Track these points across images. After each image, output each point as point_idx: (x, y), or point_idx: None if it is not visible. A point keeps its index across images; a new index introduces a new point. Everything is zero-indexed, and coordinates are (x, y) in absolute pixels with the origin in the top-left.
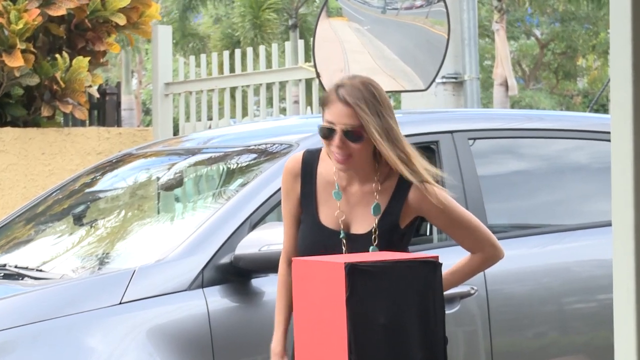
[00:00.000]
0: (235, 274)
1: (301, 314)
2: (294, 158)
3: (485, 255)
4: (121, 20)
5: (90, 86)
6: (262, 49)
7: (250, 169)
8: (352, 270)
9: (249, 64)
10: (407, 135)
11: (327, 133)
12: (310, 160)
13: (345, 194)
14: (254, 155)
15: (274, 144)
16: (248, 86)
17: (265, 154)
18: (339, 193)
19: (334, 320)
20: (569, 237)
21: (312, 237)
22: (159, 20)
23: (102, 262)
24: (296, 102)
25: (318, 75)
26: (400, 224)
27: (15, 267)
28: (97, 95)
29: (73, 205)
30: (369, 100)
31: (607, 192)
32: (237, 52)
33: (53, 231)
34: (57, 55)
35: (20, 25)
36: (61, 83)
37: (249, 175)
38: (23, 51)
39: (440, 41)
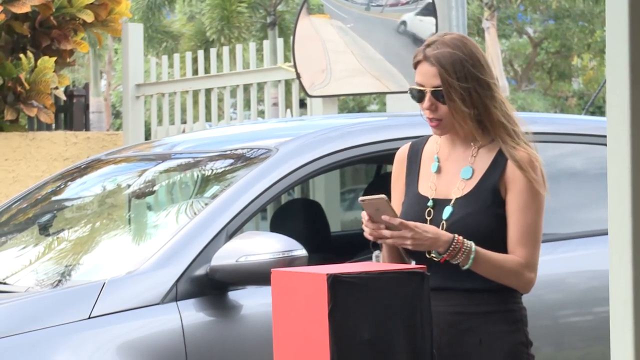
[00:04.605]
0: (211, 287)
1: (281, 329)
2: (403, 147)
3: (518, 261)
4: (89, 17)
5: (56, 88)
6: (238, 48)
7: (226, 176)
8: (334, 282)
9: (225, 64)
10: (391, 140)
11: (417, 95)
12: (417, 145)
13: (444, 163)
14: (231, 161)
15: (252, 149)
16: (224, 88)
17: (243, 160)
18: (436, 164)
19: (316, 335)
20: (563, 247)
21: (407, 209)
22: (130, 17)
23: (69, 274)
24: (275, 104)
25: (298, 76)
26: (497, 191)
27: None
28: (63, 97)
29: (38, 214)
30: (457, 59)
31: (603, 200)
32: (212, 51)
33: (17, 242)
34: (21, 55)
35: None
36: (25, 84)
37: (225, 182)
38: None
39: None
